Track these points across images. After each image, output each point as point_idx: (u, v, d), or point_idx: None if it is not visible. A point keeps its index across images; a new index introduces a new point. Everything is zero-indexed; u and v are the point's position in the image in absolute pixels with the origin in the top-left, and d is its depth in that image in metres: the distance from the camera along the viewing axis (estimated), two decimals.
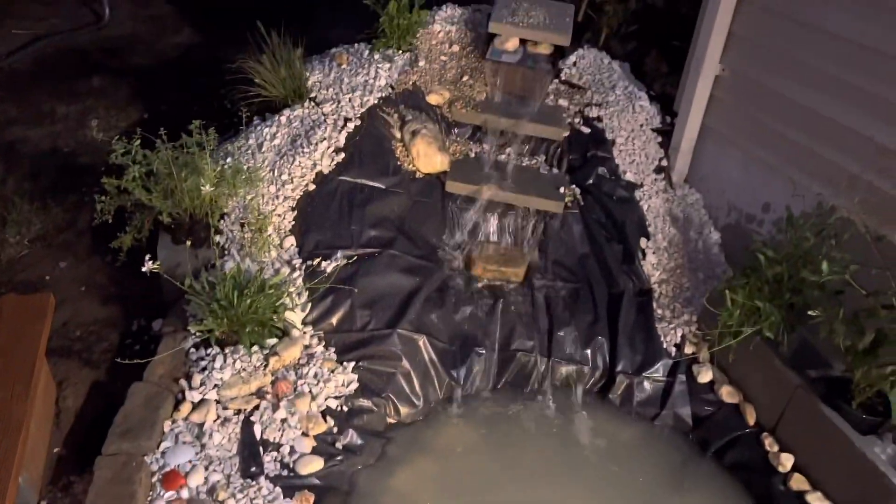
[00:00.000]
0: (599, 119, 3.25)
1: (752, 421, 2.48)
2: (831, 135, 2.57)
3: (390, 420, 2.48)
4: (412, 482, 2.34)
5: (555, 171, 3.17)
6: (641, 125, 3.25)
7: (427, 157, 2.92)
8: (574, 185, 3.08)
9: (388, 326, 2.53)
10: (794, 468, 2.31)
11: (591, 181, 3.08)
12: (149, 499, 1.94)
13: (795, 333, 2.38)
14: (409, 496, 2.30)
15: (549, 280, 2.87)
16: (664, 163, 3.24)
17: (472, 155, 3.13)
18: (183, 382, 2.25)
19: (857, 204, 2.34)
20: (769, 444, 2.40)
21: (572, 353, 2.70)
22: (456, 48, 3.42)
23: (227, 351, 2.34)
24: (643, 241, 2.98)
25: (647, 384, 2.65)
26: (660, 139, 3.29)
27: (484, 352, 2.67)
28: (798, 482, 2.27)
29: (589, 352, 2.69)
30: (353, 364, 2.45)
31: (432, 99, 3.14)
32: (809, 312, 2.17)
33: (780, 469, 2.32)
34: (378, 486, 2.28)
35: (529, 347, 2.70)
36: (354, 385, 2.40)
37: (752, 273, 2.48)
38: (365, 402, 2.39)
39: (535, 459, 2.47)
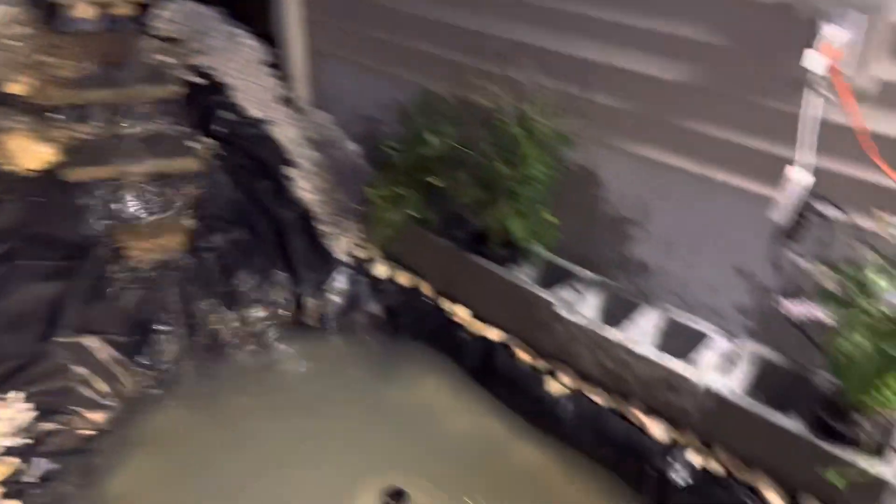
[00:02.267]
0: (210, 67, 3.20)
1: (430, 293, 2.77)
2: (423, 30, 2.83)
3: (86, 432, 2.29)
4: (134, 483, 2.21)
5: (182, 128, 3.07)
6: (250, 62, 3.27)
7: (27, 151, 2.63)
8: (206, 138, 3.03)
9: (42, 340, 2.30)
10: (474, 317, 2.64)
11: (219, 128, 3.05)
12: None
13: (437, 206, 2.67)
14: (138, 497, 2.17)
15: (213, 237, 2.83)
16: (286, 93, 3.32)
17: (86, 136, 2.89)
18: None
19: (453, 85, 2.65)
20: (448, 306, 2.70)
21: (258, 297, 2.73)
22: (29, 29, 3.07)
23: None
24: (290, 171, 3.06)
25: (334, 297, 2.80)
26: (275, 72, 3.34)
27: (170, 328, 2.57)
28: (475, 325, 2.60)
29: (272, 290, 2.75)
30: (19, 393, 2.20)
31: (13, 88, 2.81)
32: (433, 181, 2.46)
33: (464, 323, 2.64)
34: (97, 501, 2.12)
35: (214, 307, 2.66)
36: (30, 413, 2.17)
37: (388, 167, 2.71)
38: (49, 426, 2.18)
39: (251, 414, 2.47)
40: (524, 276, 2.46)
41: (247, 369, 2.64)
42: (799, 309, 1.80)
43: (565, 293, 2.39)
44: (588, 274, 2.49)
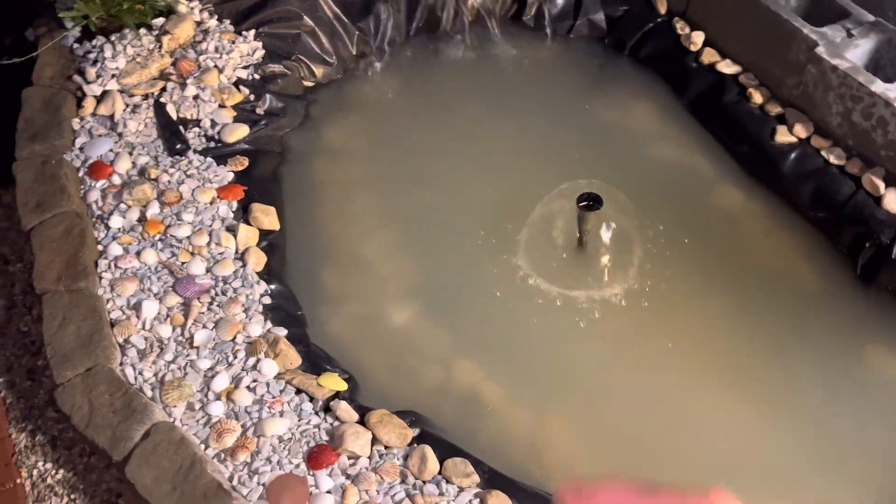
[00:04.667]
0: None
1: (663, 10, 2.49)
2: None
3: (307, 83, 2.41)
4: (342, 138, 2.35)
5: None
6: None
7: None
8: None
9: None
10: (705, 44, 2.37)
11: None
12: (81, 191, 1.92)
13: None
14: (341, 151, 2.32)
15: None
16: None
17: None
18: (77, 78, 2.11)
19: None
20: (680, 27, 2.43)
21: None
22: None
23: (112, 38, 2.17)
24: None
25: None
26: None
27: (393, 3, 2.53)
28: (709, 56, 2.34)
29: None
30: (253, 31, 2.31)
31: None
32: None
33: (692, 48, 2.38)
34: (309, 144, 2.29)
35: None
36: (260, 52, 2.28)
37: None
38: (276, 68, 2.30)
39: (460, 95, 2.48)
40: (785, 4, 2.12)
41: (462, 58, 2.59)
42: None
43: (832, 32, 2.05)
44: (866, 15, 2.09)
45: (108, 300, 1.70)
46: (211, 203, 1.92)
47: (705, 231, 2.09)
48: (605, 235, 1.97)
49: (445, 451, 1.48)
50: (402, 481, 1.42)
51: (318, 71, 2.43)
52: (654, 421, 1.72)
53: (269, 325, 1.69)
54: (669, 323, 1.89)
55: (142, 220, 1.87)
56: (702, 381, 1.80)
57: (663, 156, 2.28)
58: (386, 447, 1.48)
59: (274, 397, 1.55)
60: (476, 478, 1.43)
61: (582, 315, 1.90)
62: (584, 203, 1.88)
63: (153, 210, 1.89)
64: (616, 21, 2.57)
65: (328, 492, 1.39)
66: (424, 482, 1.42)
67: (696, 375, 1.81)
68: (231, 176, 2.00)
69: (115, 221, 1.85)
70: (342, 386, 1.61)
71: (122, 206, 1.88)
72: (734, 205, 2.14)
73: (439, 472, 1.44)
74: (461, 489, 1.41)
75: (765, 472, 1.64)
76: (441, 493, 1.40)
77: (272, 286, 1.78)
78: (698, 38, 2.37)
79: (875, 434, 1.72)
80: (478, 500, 1.40)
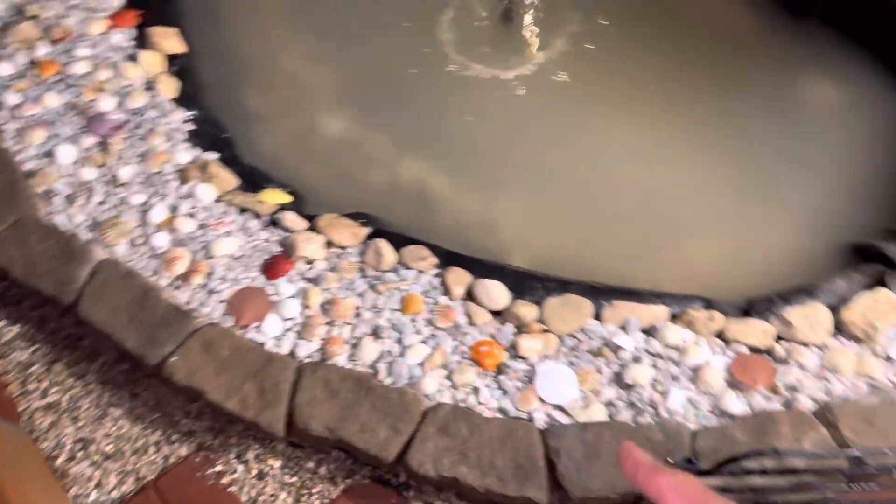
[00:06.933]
0: None
1: None
2: None
3: None
4: None
5: None
6: None
7: None
8: None
9: None
10: None
11: None
12: None
13: None
14: None
15: None
16: None
17: None
18: None
19: None
20: None
21: None
22: None
23: None
24: None
25: None
26: None
27: None
28: None
29: None
30: None
31: None
32: None
33: None
34: None
35: None
36: None
37: None
38: None
39: None
40: None
41: None
42: None
43: None
44: None
45: (16, 152, 1.58)
46: (104, 33, 1.76)
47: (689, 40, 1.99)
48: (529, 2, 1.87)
49: (400, 243, 1.48)
50: (363, 275, 1.43)
51: None
52: (598, 185, 1.73)
53: (196, 151, 1.61)
54: (603, 85, 1.85)
55: (34, 63, 1.71)
56: (640, 136, 1.79)
57: None
58: (341, 248, 1.47)
59: (217, 219, 1.51)
60: (433, 259, 1.44)
61: (515, 92, 1.85)
62: None
63: (42, 50, 1.72)
64: None
65: (291, 297, 1.39)
66: (384, 272, 1.43)
67: (634, 132, 1.80)
68: (120, 0, 1.81)
69: (4, 69, 1.69)
70: (286, 199, 1.57)
71: (7, 51, 1.71)
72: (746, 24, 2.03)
73: (398, 262, 1.45)
74: (420, 272, 1.43)
75: (707, 216, 1.69)
76: (402, 279, 1.42)
77: (192, 111, 1.68)
78: None
79: (811, 158, 1.76)
80: (438, 279, 1.42)
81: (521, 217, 1.69)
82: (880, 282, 1.44)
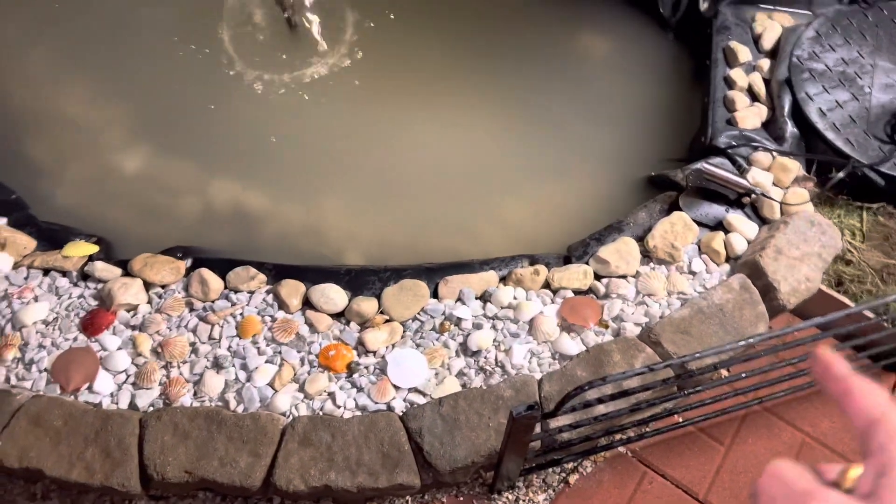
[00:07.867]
0: None
1: None
2: None
3: None
4: None
5: None
6: None
7: None
8: None
9: None
10: None
11: None
12: None
13: None
14: None
15: None
16: None
17: None
18: None
19: None
20: None
21: None
22: None
23: None
24: None
25: None
26: None
27: None
28: None
29: None
30: None
31: None
32: None
33: None
34: None
35: None
36: None
37: None
38: None
39: None
40: None
41: None
42: None
43: None
44: None
45: None
46: None
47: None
48: (310, 5, 1.87)
49: (226, 268, 1.44)
50: (191, 310, 1.38)
51: None
52: (411, 171, 1.77)
53: None
54: (396, 75, 1.90)
55: None
56: (441, 118, 1.86)
57: None
58: (162, 286, 1.41)
59: (20, 287, 1.39)
60: (262, 277, 1.42)
61: (308, 96, 1.85)
62: None
63: None
64: None
65: (119, 349, 1.32)
66: (213, 301, 1.39)
67: (435, 115, 1.86)
68: None
69: None
70: (92, 249, 1.48)
71: None
72: None
73: (225, 288, 1.41)
74: (251, 293, 1.40)
75: (516, 178, 1.78)
76: (234, 304, 1.38)
77: None
78: None
79: (598, 106, 1.91)
80: (271, 295, 1.40)
81: (345, 216, 1.70)
82: (675, 206, 1.59)
